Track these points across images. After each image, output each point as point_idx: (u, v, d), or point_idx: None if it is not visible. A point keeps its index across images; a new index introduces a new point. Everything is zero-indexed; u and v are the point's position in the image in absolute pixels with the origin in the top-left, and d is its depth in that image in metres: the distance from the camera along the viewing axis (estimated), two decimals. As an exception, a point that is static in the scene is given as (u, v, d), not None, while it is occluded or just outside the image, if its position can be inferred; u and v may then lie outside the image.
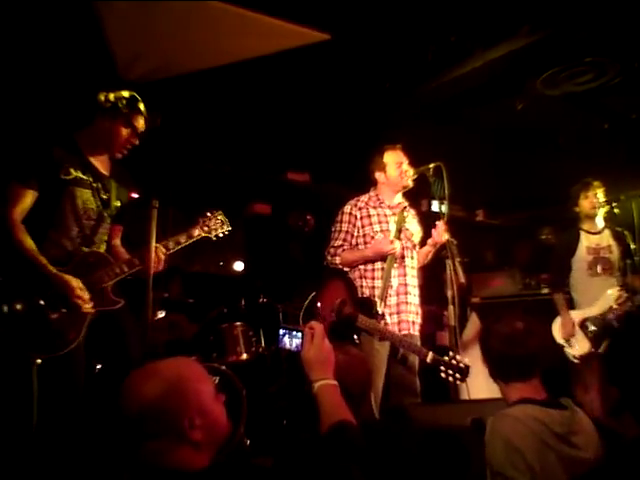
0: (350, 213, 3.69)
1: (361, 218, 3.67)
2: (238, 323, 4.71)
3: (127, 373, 2.61)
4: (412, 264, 3.64)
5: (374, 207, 3.70)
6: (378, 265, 3.55)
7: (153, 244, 2.72)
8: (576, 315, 4.34)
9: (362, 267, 3.59)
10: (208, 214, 3.17)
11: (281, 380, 4.77)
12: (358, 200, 3.74)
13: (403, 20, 3.88)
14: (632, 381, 3.57)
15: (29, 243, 2.58)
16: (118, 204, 2.96)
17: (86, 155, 2.84)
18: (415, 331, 3.54)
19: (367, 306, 3.37)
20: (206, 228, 3.11)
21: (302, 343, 1.85)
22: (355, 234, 3.66)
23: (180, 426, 1.39)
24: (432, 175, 3.44)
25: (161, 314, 4.90)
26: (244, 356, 4.56)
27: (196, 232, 3.06)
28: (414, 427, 2.19)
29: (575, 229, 4.53)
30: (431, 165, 3.46)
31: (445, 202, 3.34)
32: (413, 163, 3.69)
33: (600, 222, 4.46)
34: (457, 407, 2.81)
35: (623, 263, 4.34)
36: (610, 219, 4.49)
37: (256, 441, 3.90)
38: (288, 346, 2.00)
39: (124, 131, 2.81)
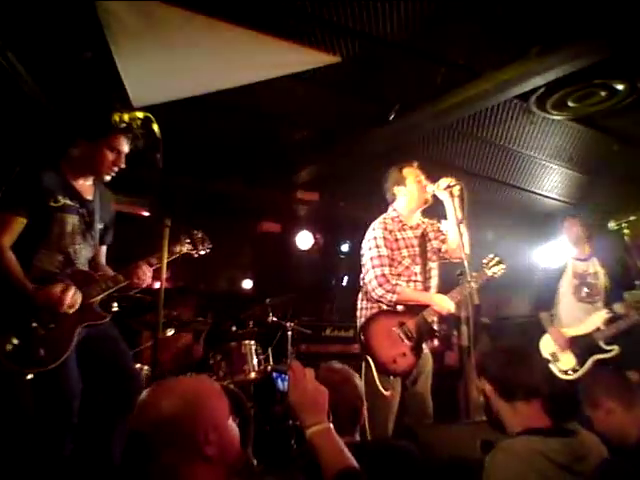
0: (384, 237, 3.60)
1: (391, 242, 3.62)
2: (247, 342, 4.71)
3: (123, 383, 2.66)
4: (436, 282, 3.71)
5: (399, 230, 3.67)
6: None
7: (165, 261, 2.74)
8: (564, 333, 4.56)
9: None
10: (193, 232, 3.27)
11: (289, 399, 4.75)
12: (385, 223, 3.66)
13: (412, 43, 3.90)
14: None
15: (15, 269, 2.66)
16: (101, 226, 3.09)
17: (69, 180, 2.93)
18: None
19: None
20: (188, 246, 3.21)
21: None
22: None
23: (195, 440, 1.39)
24: (458, 196, 3.44)
25: (170, 332, 4.90)
26: (252, 375, 4.55)
27: (177, 249, 3.15)
28: (423, 448, 2.18)
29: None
30: (456, 185, 3.46)
31: (464, 222, 3.35)
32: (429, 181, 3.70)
33: (587, 249, 4.72)
34: (467, 428, 2.79)
35: (609, 289, 4.57)
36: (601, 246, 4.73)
37: (263, 462, 3.88)
38: (282, 388, 1.97)
39: (109, 155, 2.93)
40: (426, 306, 3.49)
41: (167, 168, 2.87)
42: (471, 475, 2.13)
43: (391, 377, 3.38)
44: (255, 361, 4.65)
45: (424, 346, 3.54)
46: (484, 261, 3.65)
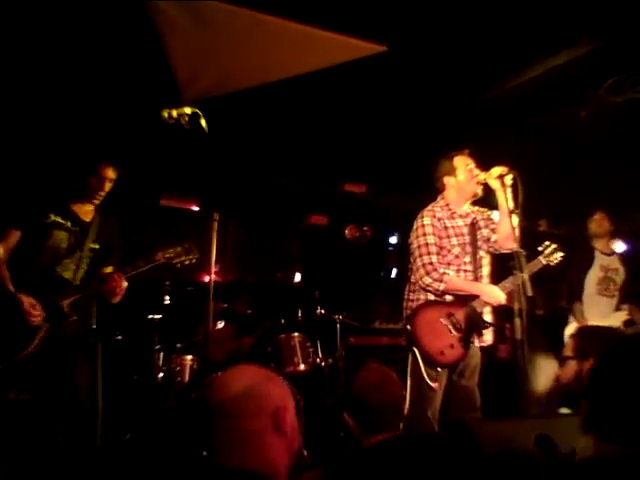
0: (432, 225, 3.52)
1: (440, 230, 3.54)
2: (296, 334, 4.74)
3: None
4: (487, 272, 3.67)
5: (448, 218, 3.59)
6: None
7: (214, 256, 2.78)
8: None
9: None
10: (176, 244, 3.50)
11: (338, 392, 4.75)
12: (434, 211, 3.58)
13: (462, 28, 3.84)
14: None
15: (4, 274, 3.15)
16: (96, 246, 3.43)
17: (69, 204, 3.41)
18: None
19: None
20: (168, 255, 3.44)
21: None
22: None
23: (272, 413, 1.45)
24: (511, 185, 3.34)
25: (220, 324, 4.98)
26: (301, 367, 4.57)
27: (157, 257, 3.42)
28: (475, 442, 2.14)
29: (590, 247, 4.88)
30: (509, 174, 3.36)
31: (517, 212, 3.25)
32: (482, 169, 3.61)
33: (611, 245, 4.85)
34: (522, 423, 2.72)
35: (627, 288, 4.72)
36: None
37: (313, 453, 3.89)
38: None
39: (95, 182, 3.38)
40: (476, 297, 3.42)
41: (215, 163, 2.90)
42: (525, 470, 2.08)
43: (438, 369, 3.33)
44: (304, 353, 4.66)
45: (475, 339, 3.47)
46: (539, 249, 3.54)
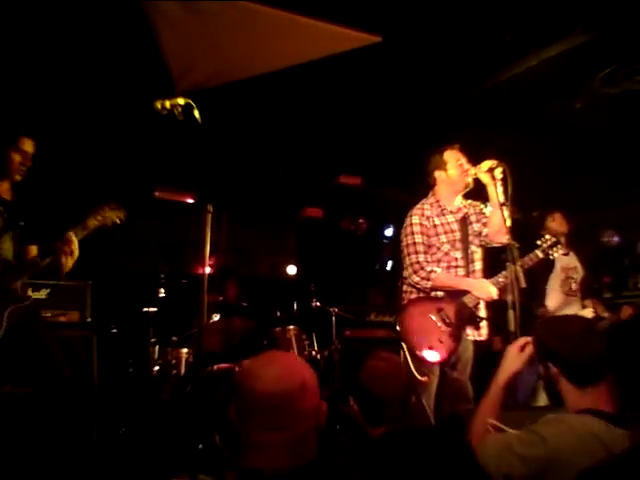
0: (420, 224, 3.57)
1: (428, 229, 3.58)
2: (291, 327, 4.74)
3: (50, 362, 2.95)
4: (480, 266, 3.63)
5: (437, 216, 3.62)
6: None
7: (207, 248, 2.76)
8: None
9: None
10: (101, 206, 3.37)
11: (334, 384, 4.76)
12: (423, 210, 3.62)
13: (456, 20, 3.83)
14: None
15: None
16: (22, 224, 3.28)
17: None
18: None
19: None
20: (100, 218, 3.33)
21: None
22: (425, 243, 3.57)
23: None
24: (501, 179, 3.32)
25: (215, 317, 4.97)
26: (297, 359, 4.57)
27: (90, 223, 3.29)
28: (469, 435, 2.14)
29: None
30: (498, 167, 3.31)
31: (507, 204, 3.24)
32: (473, 163, 3.60)
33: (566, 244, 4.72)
34: (515, 414, 2.73)
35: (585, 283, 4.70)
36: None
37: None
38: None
39: (16, 157, 3.19)
40: (467, 292, 3.43)
41: (209, 155, 2.88)
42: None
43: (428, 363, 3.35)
44: (300, 346, 4.67)
45: (469, 332, 3.47)
46: (538, 242, 3.51)
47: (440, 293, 3.48)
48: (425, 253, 3.53)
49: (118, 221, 3.40)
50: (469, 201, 3.75)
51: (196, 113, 2.76)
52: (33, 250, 3.33)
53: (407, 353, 3.36)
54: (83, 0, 3.61)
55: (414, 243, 3.55)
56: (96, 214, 3.31)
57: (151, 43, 3.74)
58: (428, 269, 3.47)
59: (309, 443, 1.48)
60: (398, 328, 3.46)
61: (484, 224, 3.63)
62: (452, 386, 3.45)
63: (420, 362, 3.34)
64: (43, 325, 3.33)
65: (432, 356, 3.35)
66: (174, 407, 4.19)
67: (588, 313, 4.50)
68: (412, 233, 3.57)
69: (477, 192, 3.67)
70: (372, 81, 4.67)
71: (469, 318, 3.44)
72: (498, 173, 3.30)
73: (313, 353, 4.76)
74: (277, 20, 3.62)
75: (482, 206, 3.73)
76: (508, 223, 3.18)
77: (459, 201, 3.71)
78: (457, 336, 3.38)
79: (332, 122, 5.43)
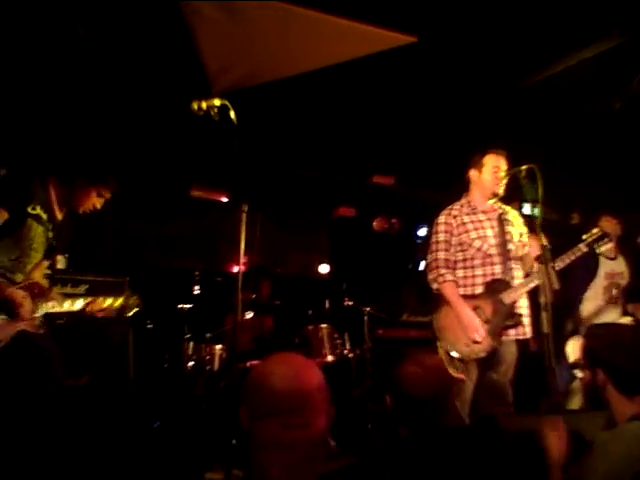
0: (445, 222, 3.60)
1: (457, 226, 3.57)
2: (324, 325, 4.76)
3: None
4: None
5: (467, 214, 3.60)
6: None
7: (242, 247, 2.79)
8: None
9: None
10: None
11: (366, 383, 4.76)
12: (451, 209, 3.64)
13: (494, 21, 3.80)
14: None
15: None
16: (56, 244, 3.28)
17: (51, 198, 3.22)
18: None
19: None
20: (95, 195, 3.31)
21: None
22: (453, 243, 3.57)
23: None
24: (524, 177, 3.30)
25: (249, 315, 5.02)
26: (329, 358, 4.59)
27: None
28: (504, 437, 2.13)
29: (594, 253, 4.42)
30: (523, 167, 3.28)
31: (538, 205, 3.18)
32: (508, 164, 3.57)
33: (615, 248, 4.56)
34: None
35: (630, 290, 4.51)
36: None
37: (341, 443, 3.92)
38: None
39: (94, 197, 3.25)
40: (503, 289, 3.38)
41: (244, 155, 2.92)
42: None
43: (463, 360, 3.34)
44: (332, 344, 4.68)
45: (512, 332, 3.41)
46: (583, 237, 3.47)
47: (478, 290, 3.45)
48: (446, 251, 3.55)
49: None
50: (503, 204, 3.70)
51: (232, 114, 2.79)
52: (60, 261, 3.42)
53: (442, 351, 3.36)
54: (122, 2, 3.68)
55: (437, 242, 3.59)
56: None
57: (188, 44, 3.80)
58: (442, 271, 3.50)
59: (322, 447, 1.52)
60: (433, 327, 3.46)
61: (523, 244, 3.56)
62: (490, 388, 3.40)
63: (456, 360, 3.34)
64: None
65: (468, 354, 3.33)
66: (208, 402, 4.25)
67: (627, 321, 4.36)
68: (436, 232, 3.62)
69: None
70: (407, 81, 4.66)
71: (507, 316, 3.38)
72: (523, 174, 3.27)
73: (345, 352, 4.76)
74: (313, 21, 3.64)
75: (515, 210, 3.69)
76: (539, 222, 3.13)
77: (491, 202, 3.66)
78: (495, 334, 3.34)
79: (366, 122, 5.43)
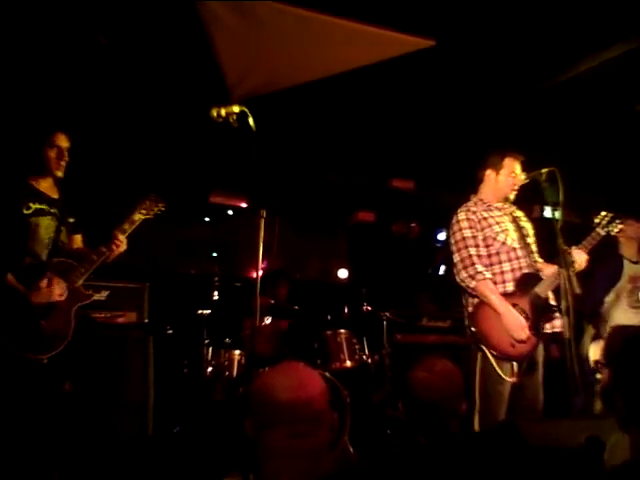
0: (468, 219, 3.43)
1: (478, 221, 3.43)
2: (342, 330, 4.74)
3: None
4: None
5: (485, 210, 3.49)
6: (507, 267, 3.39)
7: (260, 252, 2.81)
8: None
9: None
10: (144, 199, 3.42)
11: (385, 389, 4.74)
12: (468, 206, 3.50)
13: (514, 24, 3.78)
14: None
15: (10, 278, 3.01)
16: (72, 220, 3.34)
17: (34, 185, 3.23)
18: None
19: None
20: (144, 211, 3.38)
21: None
22: (480, 237, 3.39)
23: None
24: (545, 180, 3.26)
25: (267, 320, 5.03)
26: (348, 363, 4.58)
27: (136, 217, 3.35)
28: (524, 444, 2.10)
29: (618, 256, 4.46)
30: (544, 170, 3.24)
31: (559, 208, 3.14)
32: (524, 167, 3.53)
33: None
34: (573, 424, 2.66)
35: None
36: None
37: (360, 450, 3.90)
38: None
39: (50, 153, 3.21)
40: (537, 283, 3.29)
41: (263, 161, 2.93)
42: (574, 473, 2.03)
43: (514, 363, 3.19)
44: (351, 350, 4.67)
45: (545, 325, 3.29)
46: (595, 220, 3.39)
47: (510, 287, 3.32)
48: (477, 247, 3.36)
49: (159, 212, 3.46)
50: (514, 206, 3.64)
51: (250, 120, 2.81)
52: (77, 240, 3.43)
53: (490, 356, 3.19)
54: (142, 9, 3.73)
55: (463, 238, 3.39)
56: (140, 208, 3.38)
57: (207, 52, 3.83)
58: (479, 268, 3.30)
59: (327, 453, 1.52)
60: (474, 331, 3.26)
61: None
62: (525, 391, 3.27)
63: (505, 363, 3.19)
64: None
65: (516, 355, 3.20)
66: (227, 407, 4.27)
67: None
68: (460, 229, 3.42)
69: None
70: (427, 84, 4.65)
71: (545, 309, 3.28)
72: (543, 178, 3.23)
73: (364, 357, 4.74)
74: (331, 26, 3.65)
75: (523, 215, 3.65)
76: (559, 226, 3.08)
77: (500, 204, 3.58)
78: (537, 329, 3.23)
79: (385, 126, 5.43)
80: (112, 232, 3.27)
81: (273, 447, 1.48)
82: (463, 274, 3.33)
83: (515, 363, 3.20)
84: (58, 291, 3.06)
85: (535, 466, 2.00)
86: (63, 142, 3.26)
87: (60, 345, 3.00)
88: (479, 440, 2.26)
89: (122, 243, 3.27)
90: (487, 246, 3.40)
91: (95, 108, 4.70)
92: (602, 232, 3.37)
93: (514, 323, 3.18)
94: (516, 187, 3.48)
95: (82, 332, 3.15)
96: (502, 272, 3.36)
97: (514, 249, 3.40)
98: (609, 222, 3.37)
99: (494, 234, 3.40)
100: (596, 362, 4.07)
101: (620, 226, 3.41)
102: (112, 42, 4.00)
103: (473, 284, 3.28)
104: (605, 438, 1.80)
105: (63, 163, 3.26)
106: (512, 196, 3.53)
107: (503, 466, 1.93)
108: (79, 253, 3.34)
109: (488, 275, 3.30)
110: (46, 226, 3.19)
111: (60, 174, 3.28)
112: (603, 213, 3.40)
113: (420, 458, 2.02)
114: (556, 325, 3.33)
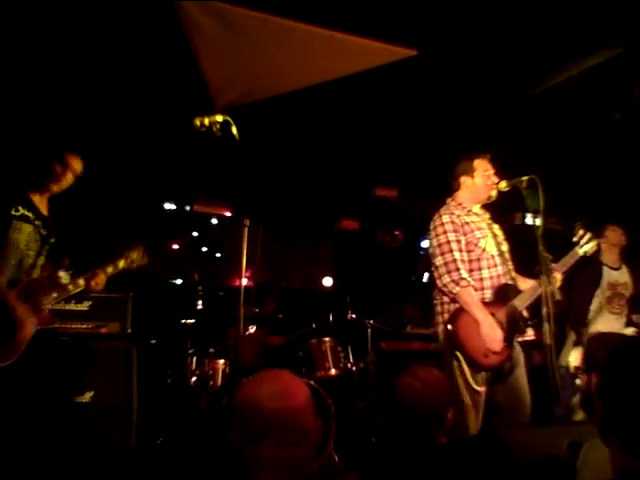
0: (452, 222, 3.36)
1: (462, 225, 3.38)
2: (327, 339, 4.74)
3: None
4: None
5: (465, 215, 3.45)
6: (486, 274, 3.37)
7: (244, 261, 2.80)
8: None
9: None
10: (132, 249, 3.48)
11: (370, 397, 4.75)
12: (451, 209, 3.45)
13: (494, 32, 3.82)
14: None
15: None
16: (53, 240, 3.34)
17: (29, 195, 3.26)
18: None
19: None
20: (129, 260, 3.45)
21: None
22: (462, 241, 3.35)
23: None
24: (526, 187, 3.28)
25: (252, 329, 5.02)
26: (333, 372, 4.58)
27: (121, 264, 3.41)
28: (506, 449, 2.12)
29: (598, 262, 4.52)
30: (525, 177, 3.25)
31: (540, 215, 3.15)
32: (506, 175, 3.55)
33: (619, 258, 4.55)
34: (555, 429, 2.69)
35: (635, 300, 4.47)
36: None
37: (345, 458, 3.89)
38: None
39: (58, 168, 3.25)
40: (516, 294, 3.29)
41: (246, 169, 2.94)
42: (558, 478, 2.05)
43: (483, 372, 3.19)
44: (335, 358, 4.67)
45: (518, 336, 3.33)
46: (574, 239, 3.40)
47: (488, 295, 3.31)
48: (460, 251, 3.31)
49: (142, 265, 3.52)
50: (487, 215, 3.63)
51: (234, 130, 2.82)
52: (64, 277, 3.38)
53: (463, 364, 3.17)
54: (125, 20, 3.73)
55: (448, 241, 3.31)
56: (127, 257, 3.43)
57: (190, 62, 3.83)
58: (463, 274, 3.24)
59: (313, 460, 1.53)
60: (449, 338, 3.23)
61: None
62: (509, 395, 3.28)
63: (477, 372, 3.18)
64: (57, 352, 3.36)
65: (488, 365, 3.20)
66: (211, 417, 4.24)
67: (630, 332, 4.33)
68: (445, 232, 3.34)
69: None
70: (408, 93, 4.69)
71: (519, 322, 3.28)
72: (524, 184, 3.25)
73: (348, 365, 4.75)
74: (313, 36, 3.68)
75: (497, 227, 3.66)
76: (540, 233, 3.10)
77: (478, 209, 3.58)
78: (510, 341, 3.23)
79: (368, 134, 5.46)
80: (94, 270, 3.28)
81: (259, 458, 1.47)
82: (446, 279, 3.26)
83: (484, 373, 3.21)
84: (22, 310, 2.99)
85: (516, 469, 2.02)
86: (77, 165, 3.32)
87: (10, 358, 2.93)
88: (461, 448, 2.28)
89: (101, 283, 3.30)
90: (469, 251, 3.37)
91: (79, 117, 4.68)
92: (580, 252, 3.40)
93: (491, 333, 3.15)
94: (494, 184, 3.46)
95: (38, 347, 3.08)
96: (481, 279, 3.33)
97: (493, 257, 3.39)
98: (587, 242, 3.40)
99: (476, 240, 3.37)
100: (576, 368, 4.10)
101: (595, 247, 3.45)
102: (95, 52, 4.00)
103: (456, 290, 3.22)
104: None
105: (66, 184, 3.31)
106: (494, 193, 3.49)
107: (485, 475, 1.95)
108: (56, 276, 3.31)
109: (471, 282, 3.26)
110: (27, 234, 3.17)
111: (57, 190, 3.31)
112: (581, 232, 3.41)
113: (404, 466, 2.04)
114: (529, 334, 3.39)
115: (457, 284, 3.22)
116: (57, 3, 3.59)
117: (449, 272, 3.26)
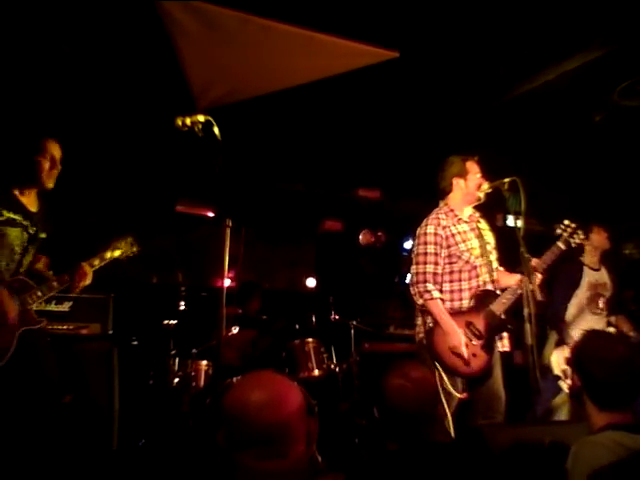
0: (436, 233, 3.44)
1: (446, 238, 3.45)
2: (310, 339, 4.75)
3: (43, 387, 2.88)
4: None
5: (454, 224, 3.51)
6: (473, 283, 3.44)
7: (226, 262, 2.80)
8: None
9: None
10: (120, 239, 3.43)
11: (353, 397, 4.75)
12: (439, 219, 3.50)
13: (474, 34, 3.85)
14: None
15: None
16: (44, 236, 3.27)
17: (16, 195, 3.16)
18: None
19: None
20: (117, 251, 3.38)
21: None
22: (442, 255, 3.44)
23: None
24: (507, 190, 3.31)
25: (235, 330, 5.01)
26: (316, 372, 4.58)
27: (108, 255, 3.35)
28: (489, 449, 2.13)
29: (578, 262, 4.56)
30: (506, 180, 3.30)
31: (521, 217, 3.17)
32: (488, 177, 3.58)
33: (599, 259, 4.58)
34: (536, 429, 2.71)
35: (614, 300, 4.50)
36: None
37: (328, 458, 3.89)
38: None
39: (45, 163, 3.14)
40: (493, 300, 3.34)
41: (229, 170, 2.93)
42: (539, 477, 2.07)
43: (463, 380, 3.27)
44: (318, 359, 4.67)
45: (496, 343, 3.39)
46: (557, 231, 3.40)
47: (465, 304, 3.38)
48: (436, 264, 3.40)
49: (132, 255, 3.45)
50: (477, 214, 3.69)
51: (216, 130, 2.81)
52: (42, 261, 3.35)
53: (442, 373, 3.23)
54: (106, 19, 3.70)
55: (425, 253, 3.43)
56: (114, 247, 3.37)
57: (172, 61, 3.81)
58: (429, 287, 3.35)
59: (302, 468, 1.48)
60: (429, 348, 3.30)
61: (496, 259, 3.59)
62: (485, 396, 3.35)
63: (457, 380, 3.25)
64: (46, 352, 3.25)
65: (467, 372, 3.26)
66: (194, 419, 4.22)
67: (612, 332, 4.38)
68: (425, 243, 3.45)
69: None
70: (391, 94, 4.71)
71: (499, 327, 3.35)
72: (506, 186, 3.29)
73: (332, 366, 4.76)
74: (296, 37, 3.68)
75: (486, 227, 3.69)
76: (522, 234, 3.13)
77: (469, 211, 3.64)
78: (490, 347, 3.30)
79: (350, 135, 5.47)
80: (79, 263, 3.21)
81: (240, 466, 1.43)
82: (414, 289, 3.41)
83: (463, 379, 3.28)
84: (7, 309, 2.95)
85: (500, 468, 2.03)
86: (56, 151, 3.20)
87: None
88: (446, 448, 2.29)
89: (87, 276, 3.22)
90: (451, 263, 3.45)
91: (60, 117, 4.63)
92: (562, 246, 3.37)
93: (455, 342, 3.23)
94: (482, 185, 3.52)
95: (27, 349, 3.04)
96: (461, 290, 3.43)
97: (475, 267, 3.46)
98: (572, 233, 3.37)
99: (459, 252, 3.44)
100: (564, 371, 4.13)
101: (582, 237, 3.42)
102: (76, 51, 3.96)
103: (420, 301, 3.38)
104: (570, 443, 1.85)
105: (55, 172, 3.20)
106: (482, 195, 3.54)
107: (469, 474, 1.96)
108: (40, 275, 3.26)
109: (436, 295, 3.35)
110: (14, 237, 3.11)
111: (51, 185, 3.22)
112: (566, 222, 3.40)
113: (389, 466, 2.04)
114: (505, 345, 3.44)
115: (421, 296, 3.38)
116: (37, 1, 3.55)
117: (417, 283, 3.41)
